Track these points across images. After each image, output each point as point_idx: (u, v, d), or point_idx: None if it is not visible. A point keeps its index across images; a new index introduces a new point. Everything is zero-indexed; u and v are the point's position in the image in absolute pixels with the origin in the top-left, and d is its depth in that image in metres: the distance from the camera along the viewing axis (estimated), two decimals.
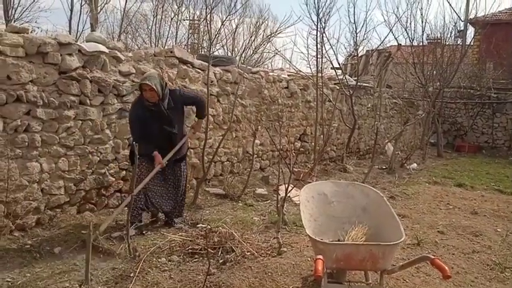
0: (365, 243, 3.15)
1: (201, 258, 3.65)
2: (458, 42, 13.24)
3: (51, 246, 3.81)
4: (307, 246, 4.00)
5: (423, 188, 7.20)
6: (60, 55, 4.19)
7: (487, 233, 4.81)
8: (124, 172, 4.99)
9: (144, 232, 4.28)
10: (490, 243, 4.49)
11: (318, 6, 7.55)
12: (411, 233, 4.59)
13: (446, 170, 9.14)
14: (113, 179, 4.87)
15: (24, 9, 10.59)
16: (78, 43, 4.47)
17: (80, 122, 4.46)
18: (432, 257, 2.64)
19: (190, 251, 3.74)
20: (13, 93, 3.84)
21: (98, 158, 4.68)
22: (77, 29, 12.05)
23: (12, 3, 10.04)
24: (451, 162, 10.62)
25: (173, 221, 4.54)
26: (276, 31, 14.80)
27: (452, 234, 4.77)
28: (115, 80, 4.72)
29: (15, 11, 10.18)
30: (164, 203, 4.47)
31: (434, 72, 11.27)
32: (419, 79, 11.39)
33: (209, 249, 3.64)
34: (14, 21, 9.52)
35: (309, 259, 3.75)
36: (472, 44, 13.89)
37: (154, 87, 4.00)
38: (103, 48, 4.63)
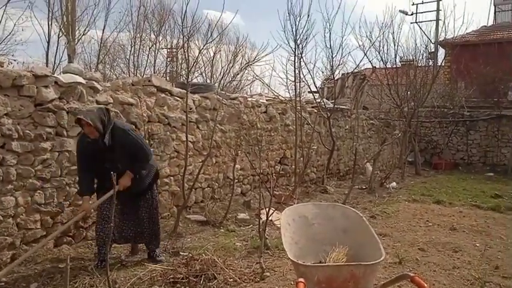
0: (345, 263, 3.17)
1: (183, 287, 3.59)
2: (430, 64, 13.68)
3: (28, 282, 3.70)
4: (290, 269, 3.99)
5: (403, 206, 7.30)
6: (36, 87, 4.18)
7: (466, 249, 4.89)
8: None
9: (124, 263, 4.19)
10: (470, 259, 4.56)
11: (296, 33, 7.76)
12: (392, 252, 4.62)
13: (424, 188, 9.30)
14: (92, 211, 4.78)
15: (0, 42, 10.53)
16: (54, 75, 4.47)
17: (57, 153, 4.41)
18: (412, 274, 2.67)
19: (171, 280, 3.68)
20: None
21: (76, 190, 4.60)
22: (54, 60, 12.02)
23: None
24: (429, 179, 10.82)
25: (155, 252, 4.34)
26: (255, 59, 15.08)
27: (432, 251, 4.83)
28: None
29: None
30: (125, 234, 4.24)
31: (408, 92, 11.60)
32: (394, 100, 11.70)
33: (191, 278, 3.59)
34: None
35: (292, 283, 3.73)
36: (443, 64, 14.42)
37: (91, 122, 3.70)
38: (79, 79, 4.63)
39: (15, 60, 10.63)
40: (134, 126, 5.06)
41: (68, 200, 4.54)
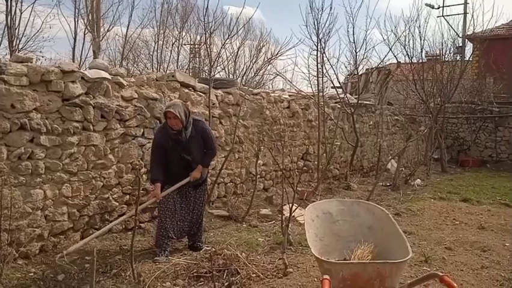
0: (371, 261, 3.12)
1: (206, 281, 3.61)
2: (457, 58, 13.33)
3: (55, 273, 3.78)
4: (314, 266, 3.96)
5: (428, 204, 7.15)
6: (64, 83, 4.25)
7: (495, 248, 4.75)
8: (127, 196, 4.99)
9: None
10: (499, 258, 4.43)
11: (318, 28, 7.67)
12: (418, 250, 4.53)
13: (451, 185, 9.09)
14: (117, 204, 4.86)
15: (29, 39, 10.78)
16: (81, 70, 4.54)
17: (83, 147, 4.49)
18: (441, 274, 2.61)
19: (195, 274, 3.71)
20: (17, 121, 3.88)
21: (102, 183, 4.69)
22: (80, 56, 12.24)
23: (17, 33, 10.23)
24: (455, 177, 10.57)
25: (199, 244, 4.53)
26: (277, 54, 14.96)
27: (459, 250, 4.71)
28: (117, 105, 4.77)
29: (19, 41, 10.37)
30: (178, 233, 4.46)
31: (435, 88, 11.34)
32: (419, 95, 11.45)
33: (214, 272, 3.60)
34: (19, 51, 9.68)
35: (315, 279, 3.70)
36: (471, 59, 14.01)
37: (178, 115, 4.09)
38: (105, 74, 4.70)
39: (42, 57, 10.88)
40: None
41: (94, 193, 4.62)
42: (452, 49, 12.54)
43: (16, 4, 10.02)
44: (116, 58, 15.00)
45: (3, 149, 3.82)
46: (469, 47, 16.74)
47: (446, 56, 12.06)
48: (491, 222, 5.90)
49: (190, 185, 4.42)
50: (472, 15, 12.81)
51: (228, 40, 7.25)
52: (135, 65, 15.83)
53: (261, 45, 17.10)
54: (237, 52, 15.97)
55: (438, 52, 12.17)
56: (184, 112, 4.18)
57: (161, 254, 4.20)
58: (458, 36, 14.61)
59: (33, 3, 10.41)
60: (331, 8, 7.71)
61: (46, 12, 11.09)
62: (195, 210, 4.53)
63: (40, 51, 11.14)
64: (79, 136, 4.41)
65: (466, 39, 16.59)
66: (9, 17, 9.89)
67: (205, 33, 6.47)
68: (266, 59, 16.15)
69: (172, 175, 4.30)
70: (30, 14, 10.43)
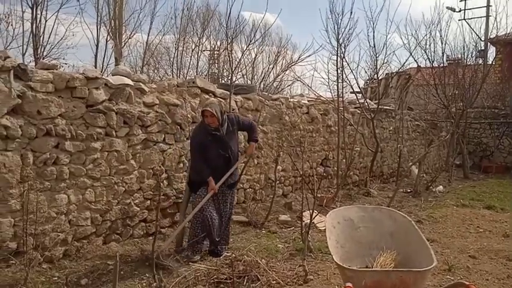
0: (395, 269, 3.08)
1: (227, 287, 3.61)
2: (480, 62, 13.07)
3: (78, 277, 3.84)
4: (334, 273, 3.92)
5: (451, 211, 7.01)
6: (88, 89, 4.34)
7: None
8: (148, 202, 5.04)
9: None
10: None
11: (338, 33, 7.65)
12: (441, 258, 4.45)
13: (473, 192, 8.89)
14: (138, 209, 4.92)
15: (53, 46, 11.01)
16: (104, 77, 4.63)
17: (106, 153, 4.57)
18: (467, 283, 2.57)
19: (215, 280, 3.71)
20: (43, 127, 3.98)
21: (124, 189, 4.75)
22: (103, 63, 12.42)
23: (41, 41, 10.47)
24: (478, 183, 10.33)
25: (218, 249, 4.56)
26: (297, 60, 14.93)
27: (484, 259, 4.61)
28: (139, 111, 4.84)
29: (44, 48, 10.60)
30: (217, 232, 4.57)
31: (456, 92, 11.14)
32: (441, 100, 11.27)
33: (234, 279, 3.60)
34: (43, 59, 9.91)
35: (336, 287, 3.67)
36: (494, 63, 13.73)
37: (215, 113, 4.34)
38: (128, 81, 4.77)
39: (66, 64, 11.09)
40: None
41: (116, 198, 4.68)
42: (474, 53, 12.33)
43: (41, 12, 10.26)
44: (137, 64, 15.19)
45: (30, 155, 3.91)
46: (492, 51, 16.42)
47: (468, 59, 11.86)
48: None
49: (225, 184, 4.55)
50: (495, 18, 12.50)
51: (247, 47, 7.27)
52: (156, 71, 16.01)
53: (280, 51, 17.10)
54: (255, 58, 16.00)
55: (460, 56, 11.98)
56: (220, 110, 4.45)
57: (197, 253, 4.41)
58: (481, 39, 14.38)
59: (58, 11, 10.63)
60: (351, 12, 7.67)
61: (69, 20, 11.29)
62: (225, 213, 4.64)
63: (63, 58, 11.35)
64: (102, 142, 4.49)
65: (489, 43, 16.28)
66: (34, 24, 10.14)
67: (226, 40, 6.52)
68: (285, 65, 16.14)
69: (212, 171, 4.45)
70: (54, 22, 10.67)
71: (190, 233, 4.57)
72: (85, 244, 4.42)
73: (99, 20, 12.01)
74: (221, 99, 6.02)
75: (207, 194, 4.42)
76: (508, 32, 11.87)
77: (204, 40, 16.16)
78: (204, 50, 16.42)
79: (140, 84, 4.95)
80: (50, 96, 4.03)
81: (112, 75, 4.91)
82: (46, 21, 10.40)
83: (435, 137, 11.39)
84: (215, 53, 15.56)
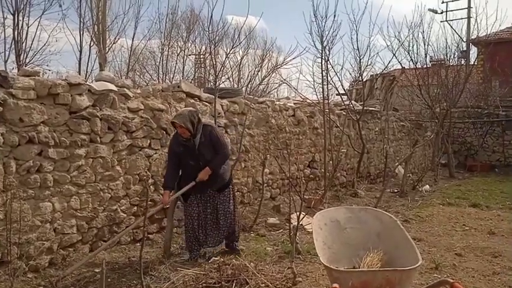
0: (381, 269, 3.10)
1: None
2: (462, 63, 13.29)
3: (65, 286, 3.79)
4: (323, 275, 3.93)
5: (437, 209, 7.10)
6: (71, 95, 4.29)
7: (506, 254, 4.70)
8: (135, 208, 5.00)
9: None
10: (510, 264, 4.38)
11: (322, 35, 7.69)
12: (428, 257, 4.50)
13: (459, 191, 9.02)
14: (125, 215, 4.88)
15: (35, 53, 10.90)
16: (88, 83, 4.58)
17: (91, 159, 4.52)
18: (452, 280, 2.59)
19: (204, 285, 3.68)
20: (25, 134, 3.92)
21: (110, 195, 4.71)
22: (87, 69, 12.31)
23: (24, 47, 10.36)
24: (463, 182, 10.49)
25: (234, 244, 4.73)
26: (282, 63, 15.02)
27: (470, 256, 4.67)
28: (124, 116, 4.80)
29: (26, 55, 10.49)
30: (208, 238, 4.61)
31: (440, 93, 11.30)
32: (425, 101, 11.41)
33: (223, 283, 3.59)
34: (26, 65, 9.80)
35: None
36: (476, 63, 13.96)
37: (183, 124, 4.25)
38: (111, 86, 4.74)
39: (49, 70, 10.99)
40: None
41: (102, 205, 4.63)
42: (456, 53, 12.52)
43: (23, 19, 10.16)
44: (122, 70, 15.11)
45: (12, 163, 3.85)
46: (474, 51, 16.70)
47: (451, 60, 12.04)
48: (501, 227, 5.85)
49: (214, 189, 4.55)
50: (476, 20, 12.72)
51: (231, 51, 7.28)
52: (141, 76, 15.95)
53: (265, 54, 17.18)
54: (241, 61, 16.05)
55: (442, 57, 12.15)
56: (191, 121, 4.30)
57: (191, 259, 4.46)
58: (463, 40, 14.54)
59: (40, 17, 10.54)
60: (335, 15, 7.73)
61: (52, 26, 11.18)
62: (225, 214, 4.61)
63: (47, 65, 11.25)
64: (86, 148, 4.44)
65: (471, 43, 16.55)
66: (16, 31, 10.03)
67: (209, 44, 6.52)
68: (270, 68, 16.22)
69: (186, 180, 4.45)
70: (37, 28, 10.56)
71: (185, 238, 4.68)
72: (71, 252, 4.37)
73: (82, 25, 11.93)
74: (207, 104, 6.01)
75: (195, 202, 4.51)
76: (488, 32, 12.05)
77: (190, 44, 16.17)
78: (189, 54, 16.43)
79: (125, 89, 4.91)
80: (32, 103, 3.97)
81: (96, 81, 4.87)
82: (28, 27, 10.30)
83: (421, 137, 11.53)
84: (200, 57, 15.57)
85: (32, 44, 10.52)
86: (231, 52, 7.33)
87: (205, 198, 4.57)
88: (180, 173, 4.55)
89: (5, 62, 9.90)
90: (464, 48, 15.76)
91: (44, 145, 4.07)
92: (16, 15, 9.96)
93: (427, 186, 9.31)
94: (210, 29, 6.11)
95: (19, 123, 3.89)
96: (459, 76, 11.52)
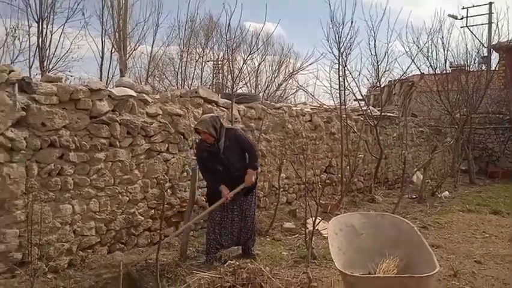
0: (397, 275, 3.08)
1: None
2: (483, 68, 13.06)
3: (82, 287, 3.86)
4: (338, 280, 3.91)
5: (456, 216, 6.97)
6: (91, 101, 4.40)
7: None
8: (152, 211, 5.07)
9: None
10: None
11: (339, 41, 7.69)
12: (446, 264, 4.43)
13: (479, 197, 8.84)
14: (142, 218, 4.95)
15: (58, 59, 11.16)
16: (108, 89, 4.69)
17: (110, 163, 4.61)
18: None
19: None
20: (47, 138, 4.03)
21: (128, 198, 4.79)
22: (108, 75, 12.53)
23: (47, 54, 10.62)
24: (484, 189, 10.28)
25: (250, 249, 4.78)
26: (299, 68, 15.04)
27: (490, 264, 4.58)
28: (142, 121, 4.89)
29: (50, 61, 10.75)
30: (230, 240, 4.69)
31: (460, 98, 11.13)
32: (444, 106, 11.25)
33: (238, 286, 3.60)
34: (49, 71, 10.04)
35: None
36: (497, 69, 13.71)
37: (206, 130, 4.35)
38: (131, 92, 4.83)
39: (71, 76, 11.22)
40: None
41: (120, 208, 4.72)
42: (477, 59, 12.32)
43: (47, 26, 10.42)
44: (142, 76, 15.33)
45: (34, 166, 3.97)
46: (495, 57, 16.41)
47: (471, 66, 11.85)
48: None
49: (241, 192, 4.60)
50: (497, 25, 12.51)
51: (248, 57, 7.34)
52: (161, 82, 16.15)
53: (282, 60, 17.20)
54: (258, 67, 16.10)
55: (462, 62, 11.97)
56: (213, 126, 4.40)
57: (207, 262, 4.50)
58: (483, 46, 14.32)
59: (63, 24, 10.79)
60: (352, 22, 7.72)
61: (75, 33, 11.43)
62: (247, 217, 4.69)
63: (69, 71, 11.48)
64: (106, 152, 4.53)
65: (492, 49, 16.26)
66: (40, 38, 10.29)
67: (227, 50, 6.59)
68: (287, 73, 16.23)
69: (217, 187, 4.54)
70: (60, 36, 10.82)
71: (205, 241, 4.72)
72: (90, 254, 4.46)
73: (104, 32, 12.17)
74: (224, 109, 6.07)
75: (219, 206, 4.56)
76: (510, 38, 11.84)
77: (208, 51, 16.32)
78: (207, 61, 16.57)
79: (144, 95, 5.01)
80: (54, 108, 4.09)
81: (116, 87, 4.98)
82: (52, 34, 10.55)
83: (440, 143, 11.36)
84: (218, 63, 15.69)
85: (55, 51, 10.77)
86: (248, 58, 7.38)
87: (231, 202, 4.59)
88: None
89: (29, 68, 10.15)
90: (485, 54, 15.51)
91: (65, 149, 4.17)
92: (40, 23, 10.22)
93: (446, 192, 9.16)
94: (227, 36, 6.19)
95: (41, 128, 4.00)
96: (479, 82, 11.33)
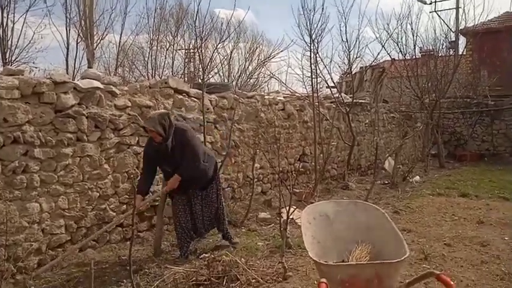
0: (368, 262, 3.11)
1: None
2: (451, 53, 13.36)
3: (54, 286, 3.76)
4: (313, 269, 3.94)
5: (427, 200, 7.14)
6: (56, 94, 4.24)
7: (494, 243, 4.75)
8: (124, 206, 4.97)
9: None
10: (498, 253, 4.43)
11: (311, 28, 7.67)
12: (417, 247, 4.53)
13: (449, 181, 9.09)
14: (114, 214, 4.85)
15: (21, 50, 10.76)
16: (73, 81, 4.53)
17: (78, 158, 4.48)
18: (438, 272, 2.60)
19: (194, 282, 3.69)
20: (10, 135, 3.87)
21: (98, 194, 4.68)
22: (74, 65, 12.21)
23: (9, 45, 10.21)
24: (453, 172, 10.57)
25: (229, 237, 4.80)
26: (270, 56, 15.01)
27: (459, 246, 4.71)
28: (111, 114, 4.76)
29: (12, 52, 10.35)
30: (199, 230, 4.65)
31: (429, 84, 11.35)
32: (414, 92, 11.46)
33: (213, 279, 3.59)
34: (12, 63, 9.67)
35: (315, 282, 3.68)
36: (464, 53, 14.03)
37: (153, 128, 4.12)
38: (97, 84, 4.69)
39: (36, 68, 10.86)
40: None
41: (91, 204, 4.60)
42: (445, 44, 12.57)
43: (8, 15, 10.01)
44: (111, 66, 14.97)
45: None
46: (462, 41, 16.78)
47: (440, 51, 12.09)
48: (490, 217, 5.90)
49: (197, 188, 4.52)
50: (464, 10, 12.81)
51: (219, 45, 7.24)
52: (131, 72, 15.82)
53: (254, 47, 17.13)
54: (230, 55, 15.99)
55: (431, 48, 12.19)
56: (161, 124, 4.15)
57: (182, 256, 4.43)
58: (451, 31, 14.61)
59: (25, 13, 10.40)
60: (323, 8, 7.72)
61: (38, 22, 11.04)
62: (209, 205, 4.64)
63: (33, 62, 11.13)
64: (73, 147, 4.40)
65: (459, 34, 16.62)
66: (1, 28, 9.89)
67: (196, 39, 6.47)
68: (260, 62, 16.18)
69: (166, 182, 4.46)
70: (22, 25, 10.42)
71: (175, 236, 4.66)
72: (60, 253, 4.33)
73: (68, 21, 11.79)
74: (195, 99, 5.98)
75: (182, 200, 4.50)
76: (476, 22, 12.12)
77: (179, 39, 16.06)
78: (178, 49, 16.32)
79: (111, 86, 4.86)
80: (16, 102, 3.92)
81: (82, 79, 4.81)
82: (14, 24, 10.15)
83: (411, 128, 11.59)
84: (190, 51, 15.48)
85: (18, 41, 10.39)
86: (218, 46, 7.28)
87: (189, 196, 4.52)
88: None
89: None
90: (453, 39, 15.83)
91: (29, 145, 4.02)
92: (0, 11, 9.81)
93: (417, 177, 9.37)
94: (197, 23, 6.06)
95: (3, 124, 3.84)
96: (448, 67, 11.58)
